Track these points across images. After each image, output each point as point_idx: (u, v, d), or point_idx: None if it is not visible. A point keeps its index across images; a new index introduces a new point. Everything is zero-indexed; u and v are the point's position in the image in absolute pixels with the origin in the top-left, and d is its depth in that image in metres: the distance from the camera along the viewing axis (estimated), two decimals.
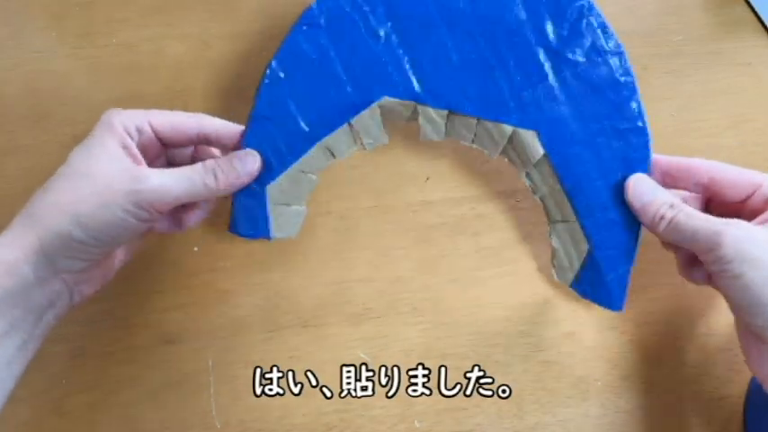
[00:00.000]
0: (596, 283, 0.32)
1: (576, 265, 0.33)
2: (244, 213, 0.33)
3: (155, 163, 0.31)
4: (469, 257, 0.37)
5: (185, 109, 0.39)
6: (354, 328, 0.36)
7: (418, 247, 0.37)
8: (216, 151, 0.33)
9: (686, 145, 0.40)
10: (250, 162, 0.31)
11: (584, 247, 0.32)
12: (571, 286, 0.34)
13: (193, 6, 0.44)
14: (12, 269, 0.25)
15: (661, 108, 0.41)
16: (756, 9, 0.45)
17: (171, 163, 0.33)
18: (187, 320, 0.35)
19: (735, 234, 0.25)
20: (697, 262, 0.30)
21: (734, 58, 0.43)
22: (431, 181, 0.39)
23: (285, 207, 0.33)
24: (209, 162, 0.29)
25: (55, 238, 0.26)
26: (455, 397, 0.34)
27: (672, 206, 0.28)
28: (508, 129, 0.32)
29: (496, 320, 0.36)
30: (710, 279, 0.29)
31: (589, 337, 0.36)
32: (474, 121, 0.32)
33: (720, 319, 0.36)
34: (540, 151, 0.32)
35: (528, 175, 0.33)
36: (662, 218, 0.28)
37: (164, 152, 0.32)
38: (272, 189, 0.32)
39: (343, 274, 0.37)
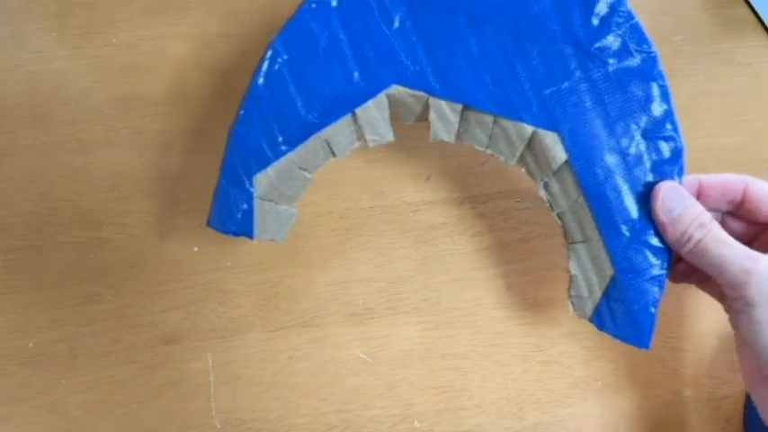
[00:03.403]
0: (620, 314, 0.29)
1: (598, 293, 0.29)
2: (226, 205, 0.30)
3: None
4: (469, 257, 0.37)
5: (186, 108, 0.40)
6: (354, 328, 0.36)
7: (418, 247, 0.37)
8: None
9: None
10: None
11: (609, 271, 0.28)
12: (590, 319, 0.30)
13: (193, 6, 0.44)
14: None
15: None
16: (756, 9, 0.45)
17: None
18: (187, 320, 0.35)
19: (764, 275, 0.23)
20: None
21: (734, 58, 0.43)
22: (431, 181, 0.39)
23: (272, 205, 0.30)
24: None
25: None
26: (455, 397, 0.34)
27: (701, 225, 0.25)
28: (528, 129, 0.29)
29: (496, 320, 0.36)
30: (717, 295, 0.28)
31: (589, 337, 0.36)
32: (490, 119, 0.29)
33: (720, 319, 0.36)
34: (563, 156, 0.28)
35: (546, 185, 0.30)
36: (689, 239, 0.25)
37: None
38: (261, 180, 0.30)
39: (343, 274, 0.37)
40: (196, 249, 0.37)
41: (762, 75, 0.43)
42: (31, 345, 0.34)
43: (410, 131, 0.40)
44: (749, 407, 0.34)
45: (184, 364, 0.35)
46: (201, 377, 0.34)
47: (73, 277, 0.36)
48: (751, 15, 0.45)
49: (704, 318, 0.35)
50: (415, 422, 0.34)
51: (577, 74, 0.28)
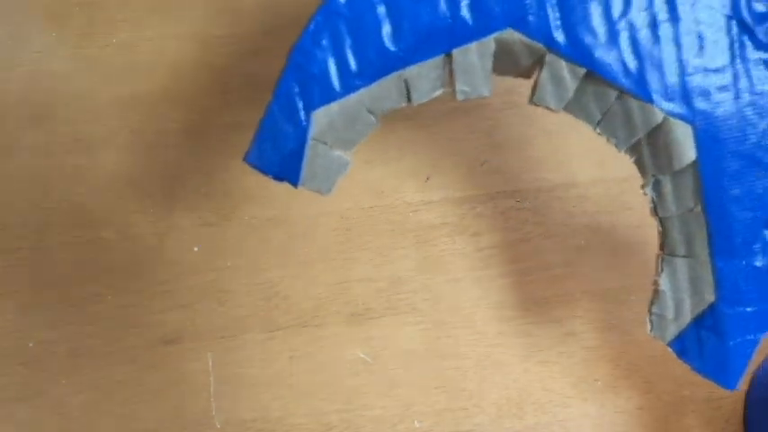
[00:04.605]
0: (710, 346, 0.24)
1: (687, 318, 0.25)
2: (272, 139, 0.24)
3: None
4: (469, 257, 0.37)
5: (186, 108, 0.40)
6: (354, 328, 0.36)
7: (418, 247, 0.37)
8: None
9: None
10: None
11: (709, 297, 0.24)
12: (669, 344, 0.25)
13: (193, 6, 0.44)
14: None
15: None
16: None
17: None
18: (187, 320, 0.35)
19: None
20: None
21: None
22: (431, 181, 0.39)
23: (327, 148, 0.24)
24: None
25: None
26: (455, 397, 0.34)
27: None
28: (658, 114, 0.23)
29: (496, 320, 0.36)
30: None
31: (589, 337, 0.36)
32: (614, 93, 0.23)
33: None
34: (691, 155, 0.23)
35: (657, 183, 0.24)
36: None
37: None
38: (319, 117, 0.24)
39: (343, 274, 0.37)
40: (196, 249, 0.37)
41: None
42: (31, 345, 0.34)
43: (410, 131, 0.40)
44: (749, 407, 0.34)
45: (184, 364, 0.35)
46: (201, 377, 0.34)
47: (73, 277, 0.36)
48: None
49: None
50: (415, 422, 0.34)
51: (734, 59, 0.23)
